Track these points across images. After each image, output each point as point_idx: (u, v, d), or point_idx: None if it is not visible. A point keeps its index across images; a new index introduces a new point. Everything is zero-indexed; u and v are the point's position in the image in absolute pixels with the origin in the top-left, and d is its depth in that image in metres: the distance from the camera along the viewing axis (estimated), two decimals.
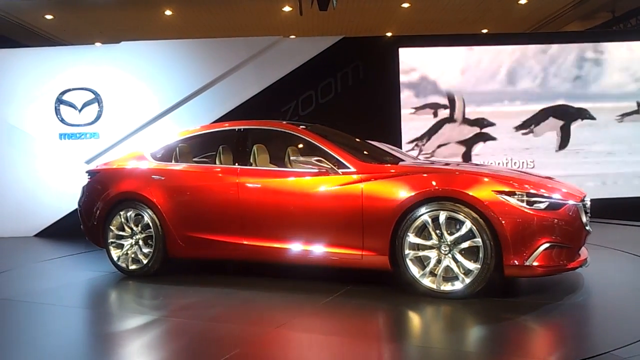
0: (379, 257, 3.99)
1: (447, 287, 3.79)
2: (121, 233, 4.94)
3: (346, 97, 8.20)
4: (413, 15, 12.11)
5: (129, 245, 4.90)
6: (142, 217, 4.83)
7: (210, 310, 3.88)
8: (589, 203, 4.16)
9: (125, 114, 7.95)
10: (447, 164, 4.75)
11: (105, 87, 7.98)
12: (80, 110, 7.96)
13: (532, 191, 3.77)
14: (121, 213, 4.92)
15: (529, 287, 4.18)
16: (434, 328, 3.54)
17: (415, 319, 3.70)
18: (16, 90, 7.94)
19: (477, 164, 4.87)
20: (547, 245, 3.68)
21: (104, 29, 12.31)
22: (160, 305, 4.22)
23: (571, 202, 3.86)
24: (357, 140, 5.34)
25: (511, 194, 3.72)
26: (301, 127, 4.81)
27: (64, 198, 7.80)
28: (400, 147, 7.82)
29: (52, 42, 12.63)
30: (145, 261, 4.82)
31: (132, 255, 4.88)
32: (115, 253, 4.94)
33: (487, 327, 3.42)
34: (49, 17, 11.29)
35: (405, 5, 11.39)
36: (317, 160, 4.21)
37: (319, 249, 4.21)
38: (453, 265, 3.78)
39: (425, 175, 4.01)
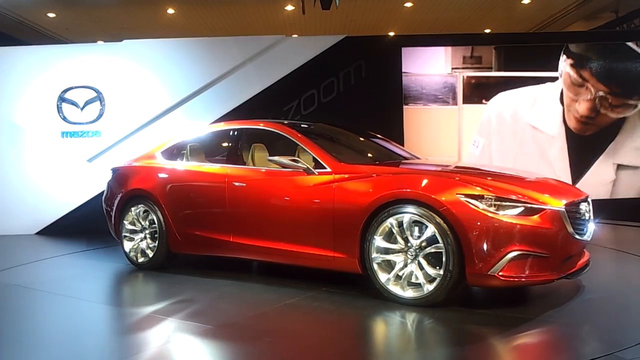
0: (349, 260, 3.90)
1: (411, 293, 3.64)
2: (133, 227, 5.22)
3: (348, 96, 8.17)
4: (416, 15, 12.09)
5: (139, 239, 5.18)
6: (149, 213, 5.07)
7: (180, 307, 3.98)
8: (585, 208, 3.85)
9: (127, 112, 7.94)
10: (444, 165, 4.65)
11: (107, 85, 7.97)
12: (82, 109, 7.96)
13: (502, 195, 3.51)
14: (132, 209, 5.21)
15: (520, 295, 3.91)
16: (389, 343, 3.27)
17: (368, 329, 3.53)
18: (18, 88, 7.93)
19: (481, 167, 4.61)
20: (515, 254, 3.39)
21: (106, 27, 12.31)
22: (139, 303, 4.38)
23: (551, 207, 3.54)
24: (361, 139, 5.32)
25: (478, 197, 3.49)
26: (302, 126, 4.80)
27: (65, 196, 7.82)
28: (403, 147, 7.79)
29: (55, 40, 12.63)
30: (151, 255, 5.07)
31: (142, 249, 5.14)
32: (127, 246, 5.23)
33: (461, 341, 3.17)
34: (51, 15, 11.29)
35: (408, 4, 11.37)
36: (293, 160, 4.21)
37: (295, 249, 4.20)
38: (417, 271, 3.62)
39: (392, 176, 3.89)
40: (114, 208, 5.35)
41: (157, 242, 5.02)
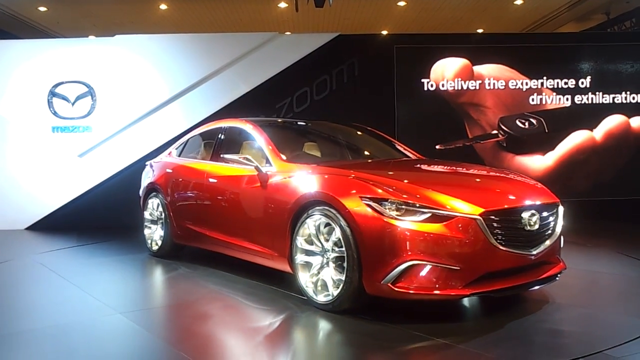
0: (282, 259, 3.89)
1: (322, 297, 3.51)
2: (151, 218, 5.61)
3: (341, 94, 8.18)
4: (409, 14, 12.10)
5: (154, 229, 5.53)
6: (160, 205, 5.44)
7: (115, 289, 4.48)
8: (529, 217, 3.35)
9: (118, 107, 7.90)
10: (394, 166, 4.46)
11: (98, 80, 7.92)
12: (73, 104, 7.91)
13: (407, 200, 3.25)
14: (149, 201, 5.63)
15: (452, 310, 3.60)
16: (257, 347, 3.13)
17: (251, 331, 3.39)
18: (9, 83, 7.87)
19: (428, 166, 4.46)
20: (410, 264, 3.12)
21: (98, 22, 12.22)
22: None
23: (464, 214, 3.19)
24: (359, 133, 5.33)
25: (380, 200, 3.28)
26: (289, 123, 5.02)
27: (56, 191, 7.77)
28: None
29: (46, 35, 12.51)
30: (160, 244, 5.42)
31: (154, 239, 5.50)
32: (146, 234, 5.64)
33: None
34: (42, 9, 11.19)
35: (402, 3, 11.38)
36: (244, 158, 4.25)
37: (247, 245, 4.29)
38: (327, 276, 3.50)
39: (317, 177, 3.75)
40: (141, 199, 5.82)
41: (163, 232, 5.33)
